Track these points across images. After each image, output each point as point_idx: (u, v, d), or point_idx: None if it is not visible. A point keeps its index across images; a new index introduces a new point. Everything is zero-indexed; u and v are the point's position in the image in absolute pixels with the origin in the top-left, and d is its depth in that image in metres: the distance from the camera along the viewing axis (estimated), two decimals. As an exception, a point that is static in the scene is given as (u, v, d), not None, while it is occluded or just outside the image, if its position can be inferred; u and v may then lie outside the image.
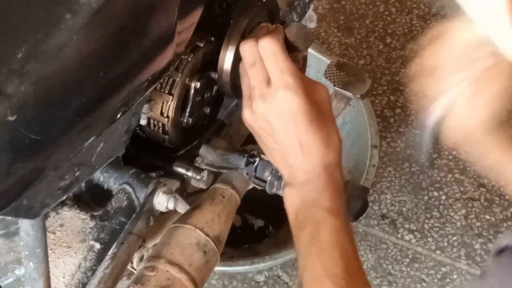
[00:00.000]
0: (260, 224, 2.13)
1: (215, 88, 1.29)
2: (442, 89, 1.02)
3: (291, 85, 1.04)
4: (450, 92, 1.01)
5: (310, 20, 1.95)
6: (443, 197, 2.13)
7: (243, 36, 1.23)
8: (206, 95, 1.27)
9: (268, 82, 1.07)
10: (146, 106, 1.18)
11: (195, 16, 1.11)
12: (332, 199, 1.04)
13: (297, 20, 1.53)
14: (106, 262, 1.19)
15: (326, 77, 1.39)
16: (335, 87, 1.37)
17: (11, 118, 0.77)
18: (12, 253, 1.55)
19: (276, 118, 1.06)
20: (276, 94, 1.05)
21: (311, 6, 1.64)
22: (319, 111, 1.06)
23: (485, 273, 0.72)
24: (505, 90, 1.00)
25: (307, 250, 1.02)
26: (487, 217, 2.10)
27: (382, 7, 2.50)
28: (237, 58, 1.21)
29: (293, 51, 1.13)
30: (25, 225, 1.02)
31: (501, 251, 0.70)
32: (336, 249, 1.00)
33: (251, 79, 1.09)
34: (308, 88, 1.06)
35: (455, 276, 1.98)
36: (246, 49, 1.10)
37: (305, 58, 1.64)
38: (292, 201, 1.07)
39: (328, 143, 1.06)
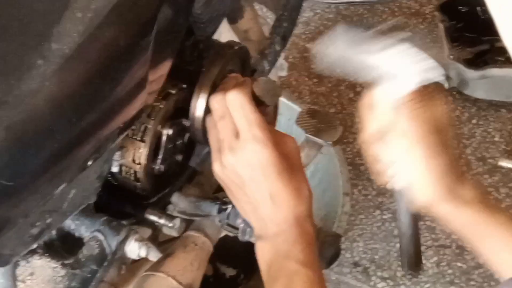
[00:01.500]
0: (232, 273, 2.12)
1: (187, 135, 1.29)
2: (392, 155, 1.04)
3: (260, 137, 1.05)
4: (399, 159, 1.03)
5: (281, 69, 1.95)
6: (415, 245, 2.13)
7: (214, 84, 1.23)
8: (178, 142, 1.27)
9: (237, 134, 1.07)
10: (117, 153, 1.18)
11: (167, 65, 1.11)
12: (304, 251, 1.04)
13: (268, 68, 1.54)
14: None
15: (298, 124, 1.39)
16: (306, 134, 1.37)
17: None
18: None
19: (245, 171, 1.06)
20: (245, 147, 1.06)
21: (282, 55, 1.65)
22: (288, 163, 1.07)
23: None
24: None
25: None
26: (459, 264, 2.10)
27: (352, 56, 2.53)
28: (209, 106, 1.22)
29: (261, 105, 1.14)
30: (-4, 275, 1.01)
31: None
32: None
33: (220, 131, 1.09)
34: (277, 140, 1.07)
35: (428, 325, 1.97)
36: (215, 102, 1.11)
37: (275, 109, 1.66)
38: (264, 254, 1.07)
39: (299, 194, 1.07)
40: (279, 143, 1.07)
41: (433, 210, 1.04)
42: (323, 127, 1.39)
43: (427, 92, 0.99)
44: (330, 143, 1.38)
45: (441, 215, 1.05)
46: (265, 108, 1.15)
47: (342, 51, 1.01)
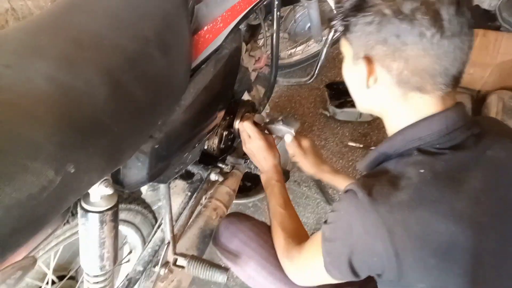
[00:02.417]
0: (248, 184, 2.10)
1: (232, 135, 1.27)
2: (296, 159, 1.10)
3: (257, 137, 1.06)
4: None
5: (266, 109, 1.93)
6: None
7: (242, 116, 1.21)
8: (229, 137, 1.25)
9: (249, 136, 1.08)
10: (207, 141, 1.16)
11: (224, 109, 1.09)
12: (277, 177, 1.03)
13: (262, 109, 1.51)
14: (192, 200, 1.18)
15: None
16: (275, 136, 1.35)
17: (156, 146, 0.76)
18: (156, 196, 1.50)
19: (254, 149, 1.07)
20: (253, 141, 1.07)
21: (267, 105, 1.63)
22: (269, 145, 1.07)
23: (340, 199, 0.67)
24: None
25: (269, 195, 1.02)
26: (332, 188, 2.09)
27: (293, 104, 2.49)
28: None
29: (258, 125, 1.14)
30: (162, 186, 1.00)
31: (346, 191, 0.66)
32: (280, 194, 0.99)
33: (243, 135, 1.11)
34: (265, 137, 1.07)
35: (322, 204, 1.93)
36: (238, 125, 1.12)
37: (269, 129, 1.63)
38: (262, 178, 1.07)
39: (274, 157, 1.07)
40: (266, 138, 1.07)
41: (317, 176, 1.08)
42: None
43: (297, 137, 1.07)
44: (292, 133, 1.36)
45: (320, 177, 1.08)
46: (259, 126, 1.14)
47: (270, 126, 1.08)
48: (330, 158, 2.12)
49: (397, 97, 0.66)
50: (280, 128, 1.06)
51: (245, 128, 1.08)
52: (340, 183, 1.07)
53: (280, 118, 1.05)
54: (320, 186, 1.19)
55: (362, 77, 0.67)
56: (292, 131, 1.04)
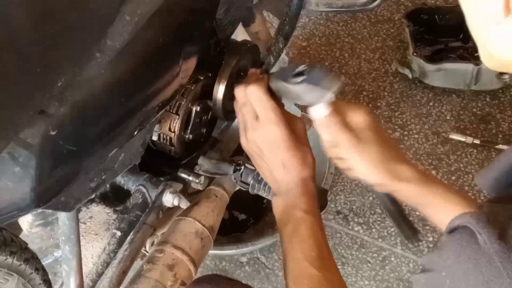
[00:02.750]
0: (243, 217, 2.13)
1: (210, 112, 1.28)
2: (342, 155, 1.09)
3: (274, 119, 1.05)
4: None
5: (283, 62, 1.95)
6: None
7: (232, 74, 1.24)
8: (203, 118, 1.27)
9: (257, 117, 1.07)
10: (157, 126, 1.18)
11: (196, 58, 1.11)
12: (307, 203, 1.04)
13: (273, 61, 1.53)
14: (125, 246, 1.20)
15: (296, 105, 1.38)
16: (302, 113, 1.37)
17: (52, 133, 0.77)
18: (51, 239, 1.53)
19: (264, 144, 1.07)
20: (263, 127, 1.06)
21: (284, 51, 1.64)
22: (296, 138, 1.07)
23: (441, 247, 0.70)
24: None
25: (289, 240, 1.02)
26: (417, 213, 2.10)
27: (337, 53, 2.51)
28: (228, 91, 1.22)
29: (274, 95, 1.14)
30: (62, 217, 1.02)
31: (452, 230, 0.69)
32: (311, 239, 1.01)
33: (244, 115, 1.10)
34: (288, 121, 1.07)
35: (392, 259, 1.97)
36: (238, 93, 1.10)
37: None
38: (278, 206, 1.07)
39: (304, 162, 1.07)
40: (290, 123, 1.07)
41: (385, 189, 1.07)
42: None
43: (339, 107, 1.05)
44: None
45: (391, 191, 1.08)
46: (278, 97, 1.15)
47: (281, 84, 1.07)
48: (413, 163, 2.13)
49: None
50: (299, 90, 1.04)
51: (252, 98, 1.09)
52: (437, 206, 1.08)
53: (301, 68, 1.03)
54: (397, 214, 1.17)
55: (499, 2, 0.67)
56: (328, 96, 1.02)
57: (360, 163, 1.05)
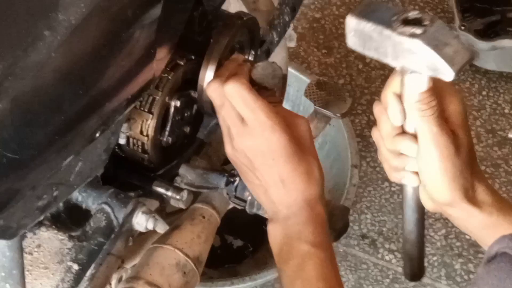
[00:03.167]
0: (239, 244, 2.14)
1: (195, 107, 1.28)
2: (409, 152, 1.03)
3: (266, 122, 1.05)
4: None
5: (290, 39, 1.96)
6: (423, 217, 2.13)
7: (224, 55, 1.23)
8: (186, 114, 1.27)
9: (242, 120, 1.07)
10: (125, 125, 1.18)
11: (175, 35, 1.11)
12: (315, 232, 1.05)
13: (277, 39, 1.53)
14: (84, 283, 1.19)
15: (306, 96, 1.39)
16: (315, 107, 1.37)
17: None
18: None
19: (255, 155, 1.07)
20: (254, 133, 1.06)
21: (291, 25, 1.64)
22: (299, 145, 1.07)
23: (476, 280, 0.72)
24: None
25: (291, 283, 1.03)
26: (467, 237, 2.10)
27: (361, 26, 2.53)
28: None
29: (263, 89, 1.14)
30: (1, 246, 1.01)
31: (491, 259, 0.71)
32: (321, 281, 1.02)
33: (224, 118, 1.09)
34: (287, 122, 1.07)
35: (435, 296, 1.99)
36: (211, 92, 1.10)
37: (283, 84, 1.65)
38: (276, 235, 1.08)
39: (309, 177, 1.07)
40: (290, 125, 1.07)
41: (446, 212, 1.04)
42: (332, 99, 1.39)
43: (441, 86, 0.98)
44: (339, 115, 1.38)
45: (453, 217, 1.05)
46: (268, 91, 1.14)
47: (377, 29, 0.95)
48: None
49: None
50: (412, 46, 0.95)
51: (232, 100, 1.09)
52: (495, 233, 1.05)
53: (414, 15, 0.96)
54: (415, 246, 1.18)
55: None
56: (449, 72, 0.94)
57: (433, 172, 1.01)
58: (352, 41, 0.97)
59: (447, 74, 0.90)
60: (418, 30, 0.91)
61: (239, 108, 1.06)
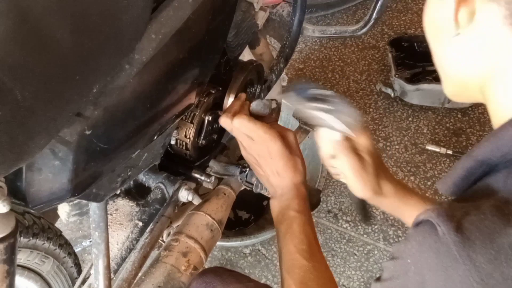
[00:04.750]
0: (246, 216, 2.13)
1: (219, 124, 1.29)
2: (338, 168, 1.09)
3: (264, 136, 1.07)
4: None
5: (283, 80, 1.96)
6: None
7: (240, 88, 1.25)
8: (214, 126, 1.28)
9: (250, 137, 1.09)
10: (175, 132, 1.19)
11: (209, 74, 1.12)
12: (299, 204, 1.06)
13: (275, 79, 1.54)
14: (145, 234, 1.20)
15: (294, 117, 1.39)
16: (300, 124, 1.37)
17: (87, 132, 0.78)
18: (80, 231, 1.53)
19: (260, 157, 1.09)
20: (257, 144, 1.08)
21: (284, 71, 1.65)
22: (288, 148, 1.08)
23: (407, 238, 0.70)
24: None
25: (283, 236, 1.03)
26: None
27: (329, 74, 2.53)
28: None
29: (260, 116, 1.15)
30: (93, 207, 1.03)
31: (418, 224, 0.69)
32: (303, 234, 1.02)
33: (236, 137, 1.12)
34: (280, 133, 1.09)
35: (376, 252, 1.97)
36: (222, 123, 1.12)
37: (278, 109, 1.66)
38: (274, 207, 1.09)
39: (295, 169, 1.08)
40: (282, 135, 1.09)
41: (373, 202, 1.11)
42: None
43: (350, 140, 1.07)
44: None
45: (375, 204, 1.11)
46: (263, 117, 1.16)
47: (297, 104, 1.08)
48: (394, 172, 2.16)
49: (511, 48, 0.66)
50: (321, 116, 1.03)
51: (241, 128, 1.10)
52: (412, 216, 1.04)
53: (321, 92, 1.03)
54: (360, 204, 1.20)
55: (450, 15, 0.67)
56: (349, 131, 1.01)
57: (353, 180, 1.07)
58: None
59: (349, 131, 1.04)
60: (322, 104, 1.04)
61: (245, 131, 1.09)
